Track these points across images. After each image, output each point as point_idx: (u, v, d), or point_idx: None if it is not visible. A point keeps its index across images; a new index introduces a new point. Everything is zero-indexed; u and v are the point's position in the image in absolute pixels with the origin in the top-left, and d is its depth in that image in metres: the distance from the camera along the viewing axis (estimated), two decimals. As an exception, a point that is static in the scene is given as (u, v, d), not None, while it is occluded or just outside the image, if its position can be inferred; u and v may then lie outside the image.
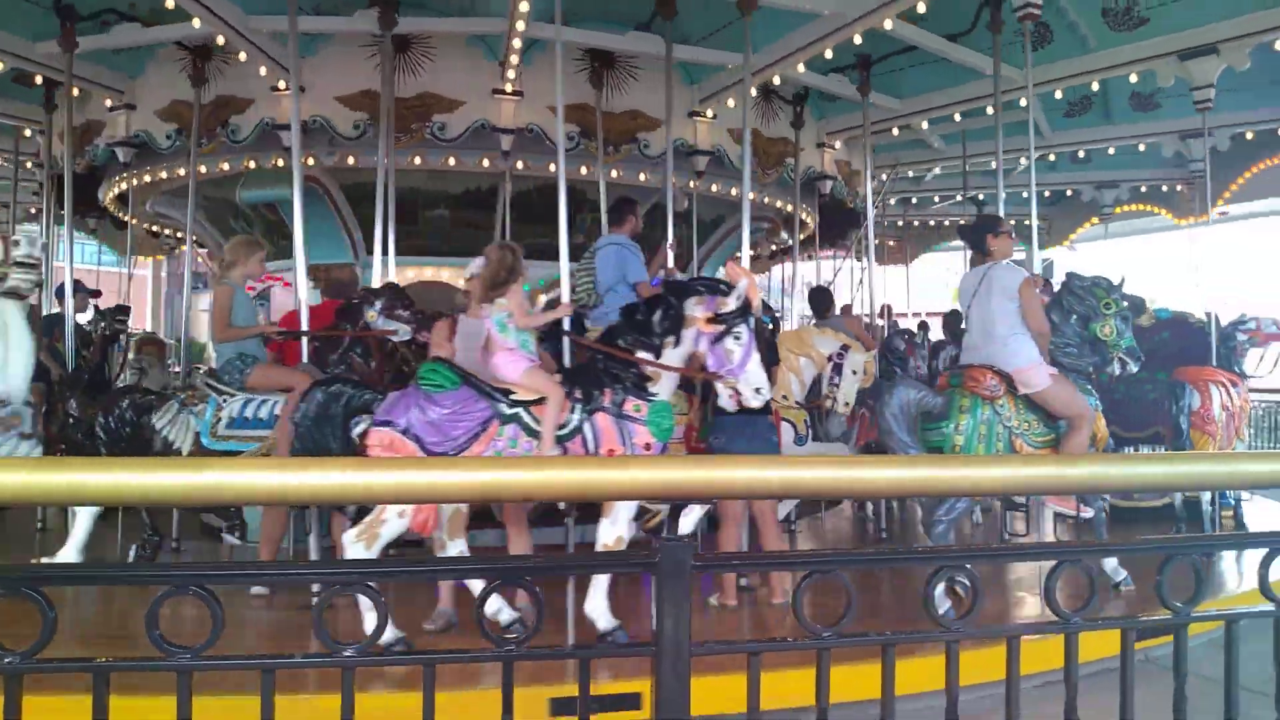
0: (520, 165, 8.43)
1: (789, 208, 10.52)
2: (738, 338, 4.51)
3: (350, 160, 8.25)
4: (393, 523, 4.25)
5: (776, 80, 8.75)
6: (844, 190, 11.10)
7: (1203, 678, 2.02)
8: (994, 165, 8.29)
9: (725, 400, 4.60)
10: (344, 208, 8.78)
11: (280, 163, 8.37)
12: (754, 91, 8.59)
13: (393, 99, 7.70)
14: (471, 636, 1.82)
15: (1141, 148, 11.52)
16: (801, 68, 8.33)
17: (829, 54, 7.92)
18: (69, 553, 5.16)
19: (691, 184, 9.19)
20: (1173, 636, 1.89)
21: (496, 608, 4.38)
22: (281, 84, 8.05)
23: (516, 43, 7.56)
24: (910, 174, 13.63)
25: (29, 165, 11.59)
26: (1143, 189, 13.17)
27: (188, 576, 1.50)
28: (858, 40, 7.67)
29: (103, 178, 10.00)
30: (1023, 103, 8.15)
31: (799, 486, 1.71)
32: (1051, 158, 12.19)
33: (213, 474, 1.47)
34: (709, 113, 9.07)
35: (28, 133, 10.81)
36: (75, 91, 8.49)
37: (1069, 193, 13.96)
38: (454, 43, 8.23)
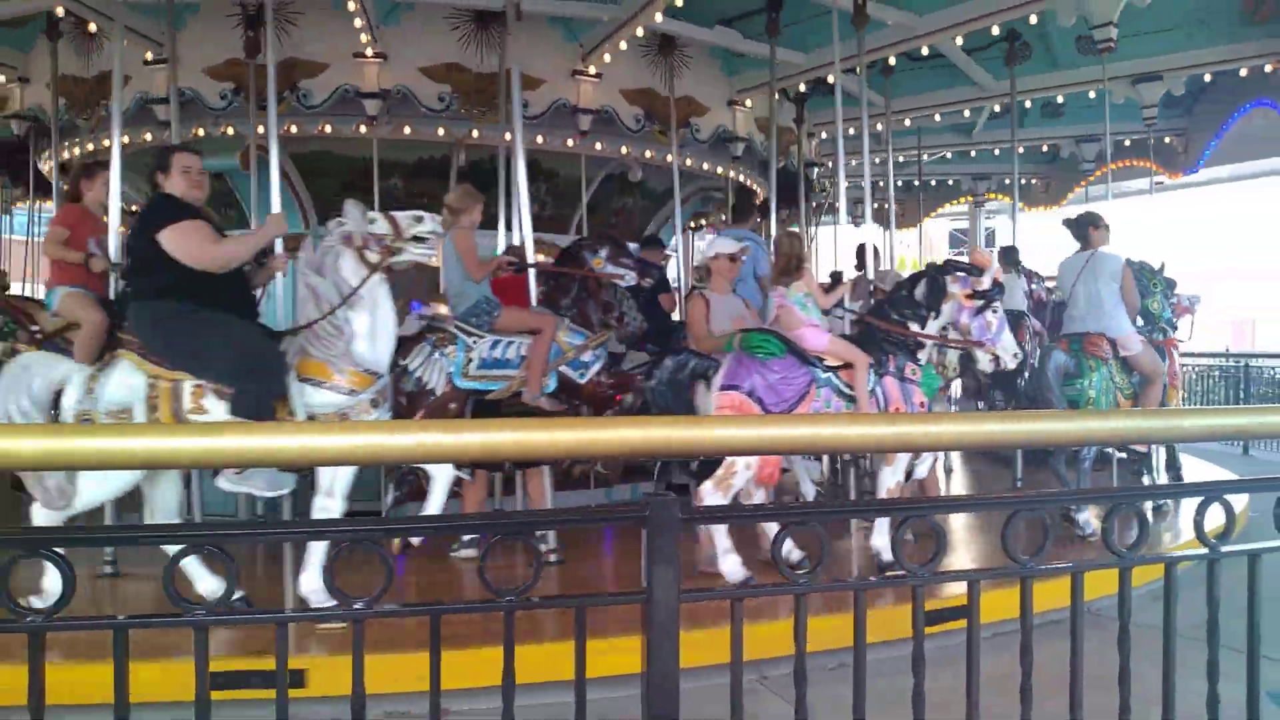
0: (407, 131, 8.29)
1: (722, 171, 10.41)
2: (995, 311, 5.55)
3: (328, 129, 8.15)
4: (741, 474, 4.96)
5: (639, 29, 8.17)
6: (764, 149, 10.34)
7: (1143, 625, 2.19)
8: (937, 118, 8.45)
9: (985, 364, 5.62)
10: (294, 178, 8.67)
11: (230, 131, 8.26)
12: (629, 39, 8.30)
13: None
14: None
15: (1092, 94, 10.83)
16: (659, 17, 7.80)
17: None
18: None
19: (569, 142, 8.76)
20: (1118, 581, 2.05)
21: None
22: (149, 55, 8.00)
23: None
24: (852, 132, 13.40)
25: None
26: (1127, 143, 12.66)
27: (205, 536, 1.57)
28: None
29: (34, 148, 9.79)
30: (924, 51, 8.21)
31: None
32: (996, 108, 11.76)
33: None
34: (592, 70, 8.65)
35: None
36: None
37: (1044, 149, 13.85)
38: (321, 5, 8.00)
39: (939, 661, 2.34)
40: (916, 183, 14.75)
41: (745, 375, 5.10)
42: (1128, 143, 12.68)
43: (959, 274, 5.55)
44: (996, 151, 13.65)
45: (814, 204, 11.77)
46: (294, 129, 8.14)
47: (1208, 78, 10.78)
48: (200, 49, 8.01)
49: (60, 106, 8.66)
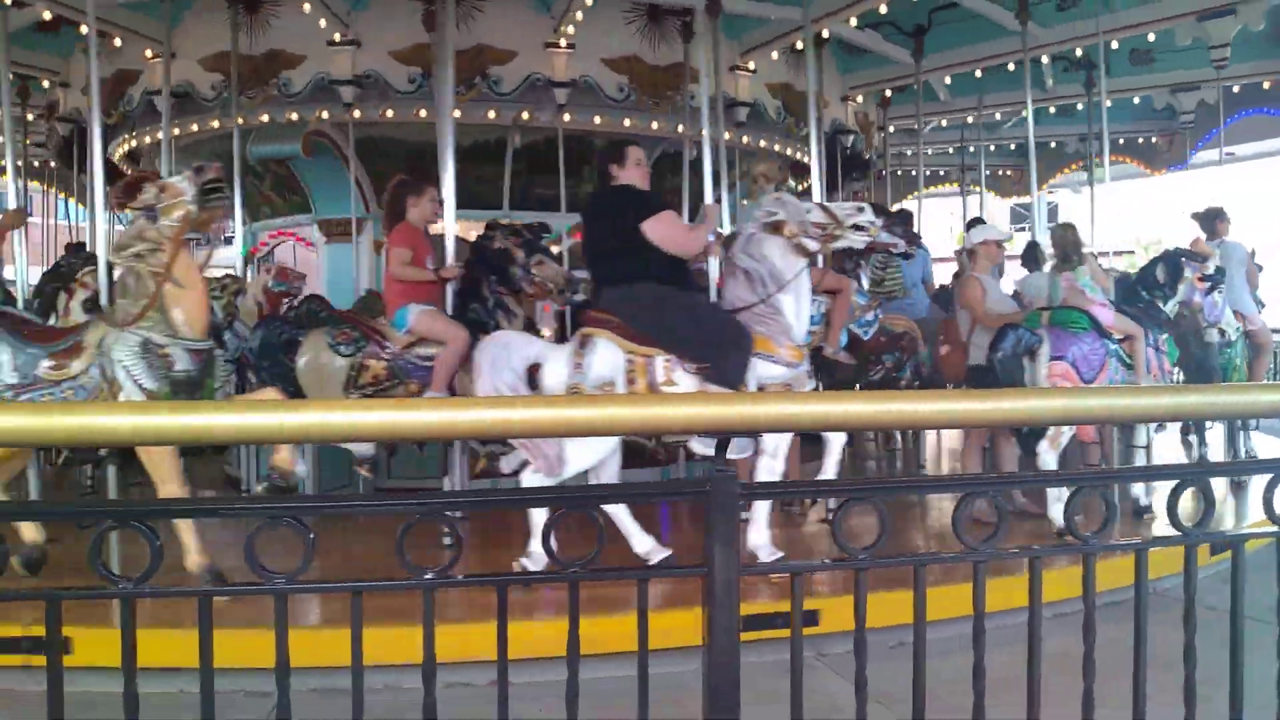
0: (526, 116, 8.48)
1: (797, 155, 10.43)
2: (1220, 292, 6.97)
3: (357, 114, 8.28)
4: (1066, 433, 5.72)
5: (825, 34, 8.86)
6: (861, 143, 11.20)
7: (1208, 607, 2.17)
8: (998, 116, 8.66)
9: (1213, 337, 6.95)
10: (354, 162, 8.81)
11: (294, 116, 8.41)
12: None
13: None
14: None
15: (1136, 100, 11.94)
16: (854, 21, 8.51)
17: (883, 9, 8.14)
18: None
19: (728, 137, 9.06)
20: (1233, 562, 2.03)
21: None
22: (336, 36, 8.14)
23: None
24: (916, 126, 13.51)
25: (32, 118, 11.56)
26: (1120, 141, 13.38)
27: (282, 509, 1.64)
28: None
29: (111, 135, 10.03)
30: (1044, 60, 8.37)
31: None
32: (1052, 110, 12.29)
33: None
34: (750, 66, 9.19)
35: (46, 84, 10.77)
36: (118, 42, 8.60)
37: (1053, 144, 14.33)
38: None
39: (1000, 641, 2.34)
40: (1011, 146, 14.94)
41: (1066, 347, 5.77)
42: (1121, 141, 13.42)
43: (1191, 260, 6.73)
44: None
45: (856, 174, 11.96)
46: (357, 114, 8.26)
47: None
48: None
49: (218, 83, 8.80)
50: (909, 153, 14.88)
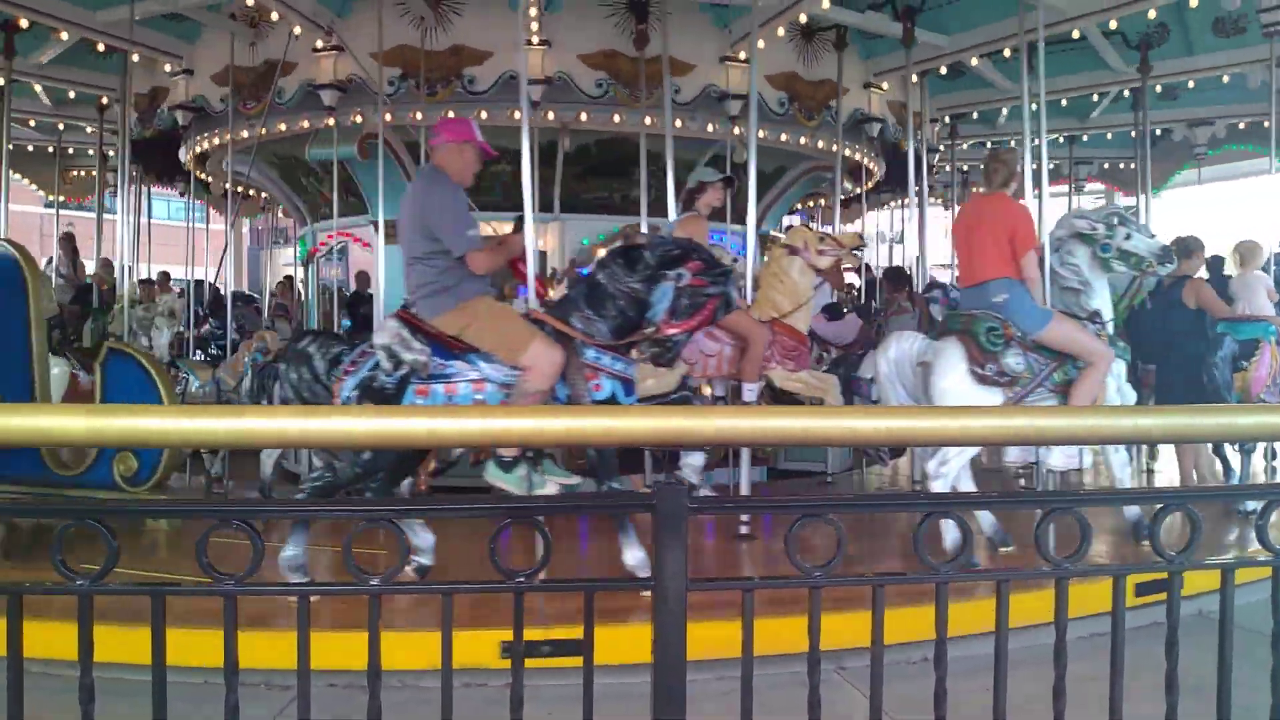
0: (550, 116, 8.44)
1: (849, 154, 10.28)
2: None
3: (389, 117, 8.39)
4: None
5: (803, 19, 8.44)
6: (898, 133, 10.66)
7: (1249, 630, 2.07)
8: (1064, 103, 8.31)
9: None
10: (410, 165, 8.96)
11: (359, 119, 8.57)
12: (781, 31, 8.44)
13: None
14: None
15: (1225, 79, 10.48)
16: (826, 3, 7.97)
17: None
18: None
19: (735, 131, 8.88)
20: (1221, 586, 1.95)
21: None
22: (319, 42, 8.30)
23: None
24: (975, 115, 13.18)
25: (112, 132, 12.11)
26: (1241, 126, 12.20)
27: (232, 511, 1.68)
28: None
29: (180, 141, 10.39)
30: (1075, 35, 7.96)
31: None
32: (1126, 94, 11.54)
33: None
34: (742, 56, 8.65)
35: (104, 100, 11.27)
36: (136, 58, 8.91)
37: (1157, 132, 12.96)
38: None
39: (1024, 661, 2.28)
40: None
41: None
42: (1242, 125, 12.22)
43: None
44: (1110, 135, 13.10)
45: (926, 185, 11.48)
46: (419, 115, 8.39)
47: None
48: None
49: (222, 96, 9.12)
50: (988, 145, 14.42)
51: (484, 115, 8.23)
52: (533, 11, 7.78)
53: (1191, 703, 1.99)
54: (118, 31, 8.30)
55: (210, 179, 11.75)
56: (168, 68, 9.70)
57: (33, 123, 12.52)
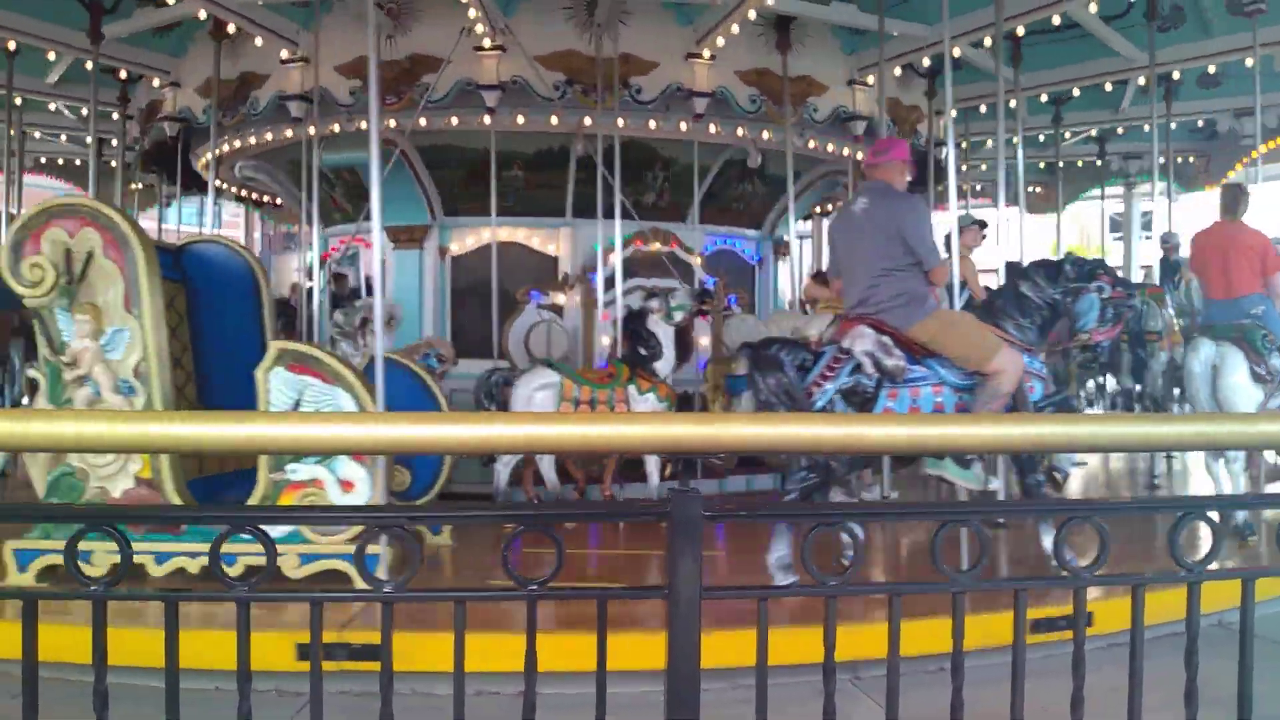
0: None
1: (839, 151, 10.06)
2: None
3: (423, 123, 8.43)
4: None
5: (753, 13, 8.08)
6: (891, 130, 10.36)
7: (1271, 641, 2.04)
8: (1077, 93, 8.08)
9: None
10: (421, 170, 8.99)
11: (363, 125, 8.59)
12: (736, 28, 8.25)
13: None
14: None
15: (1249, 62, 9.66)
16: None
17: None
18: None
19: (682, 125, 8.72)
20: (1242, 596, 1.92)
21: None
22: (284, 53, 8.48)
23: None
24: (982, 110, 12.93)
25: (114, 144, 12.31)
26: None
27: (244, 517, 1.68)
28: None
29: (190, 150, 10.50)
30: (1055, 21, 7.86)
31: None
32: (1141, 81, 10.78)
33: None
34: (706, 53, 8.55)
35: (115, 116, 11.42)
36: (124, 74, 9.15)
37: (1200, 123, 12.85)
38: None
39: (1043, 672, 2.26)
40: (1059, 164, 13.78)
41: None
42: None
43: None
44: (1146, 128, 12.59)
45: (941, 186, 11.21)
46: (423, 122, 8.42)
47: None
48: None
49: (208, 107, 9.25)
50: (988, 143, 14.17)
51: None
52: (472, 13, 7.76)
53: (1212, 713, 1.96)
54: (108, 50, 8.44)
55: (224, 185, 11.84)
56: (156, 82, 9.86)
57: (64, 137, 12.74)
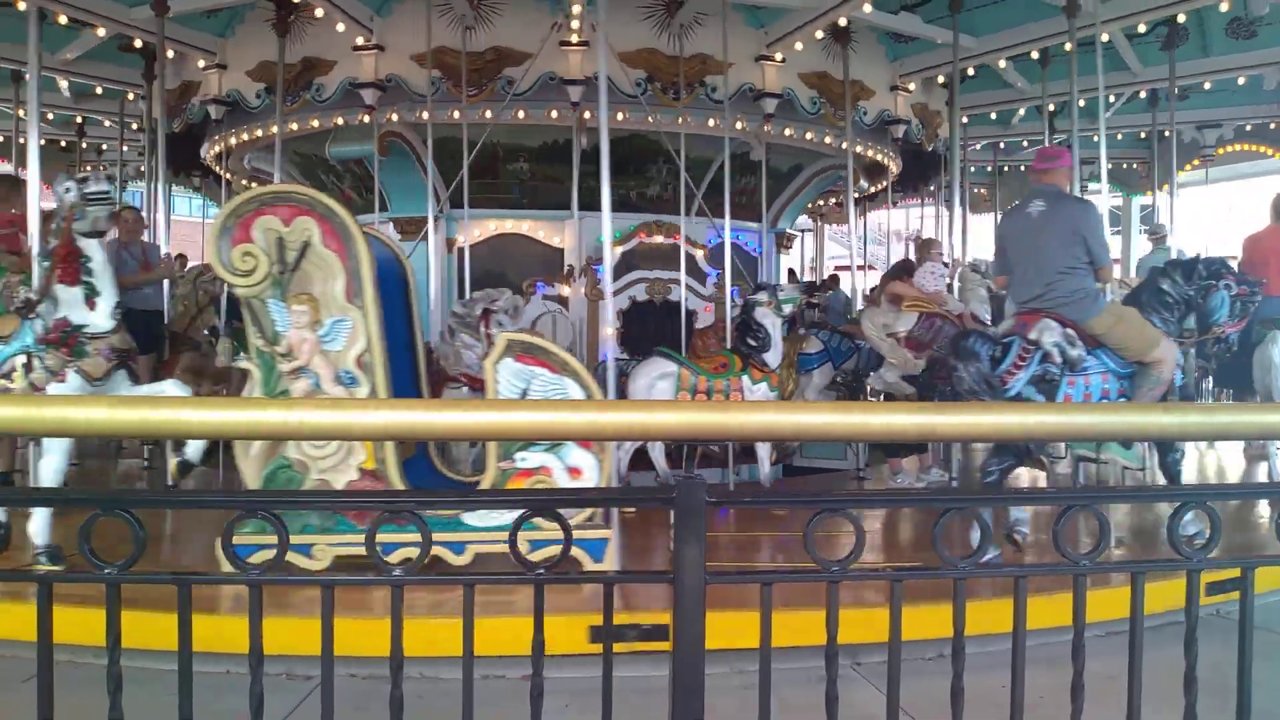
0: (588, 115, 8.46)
1: (870, 154, 10.33)
2: None
3: (425, 115, 8.45)
4: None
5: (843, 21, 8.64)
6: (920, 133, 10.82)
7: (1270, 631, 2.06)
8: (1082, 104, 8.40)
9: None
10: (428, 162, 9.00)
11: (367, 119, 8.63)
12: (819, 34, 8.68)
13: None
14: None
15: (1241, 80, 10.94)
16: (868, 7, 8.16)
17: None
18: None
19: (766, 128, 9.11)
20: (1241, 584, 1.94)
21: None
22: (360, 40, 8.34)
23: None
24: (993, 116, 13.19)
25: (134, 127, 12.25)
26: (1248, 128, 12.62)
27: (255, 502, 1.71)
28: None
29: (203, 137, 10.48)
30: (1105, 37, 8.10)
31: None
32: (1143, 94, 11.72)
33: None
34: (778, 56, 9.00)
35: (131, 96, 11.39)
36: (170, 54, 8.95)
37: (1166, 133, 13.38)
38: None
39: (1041, 660, 2.28)
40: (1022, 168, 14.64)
41: None
42: (1249, 127, 12.67)
43: None
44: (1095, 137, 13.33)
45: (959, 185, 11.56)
46: (424, 115, 8.44)
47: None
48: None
49: (261, 91, 9.19)
50: (1002, 145, 14.57)
51: (521, 115, 8.48)
52: (576, 9, 7.91)
53: (1211, 701, 1.98)
54: (151, 27, 8.35)
55: (230, 175, 11.83)
56: (201, 63, 9.77)
57: (50, 116, 12.61)
